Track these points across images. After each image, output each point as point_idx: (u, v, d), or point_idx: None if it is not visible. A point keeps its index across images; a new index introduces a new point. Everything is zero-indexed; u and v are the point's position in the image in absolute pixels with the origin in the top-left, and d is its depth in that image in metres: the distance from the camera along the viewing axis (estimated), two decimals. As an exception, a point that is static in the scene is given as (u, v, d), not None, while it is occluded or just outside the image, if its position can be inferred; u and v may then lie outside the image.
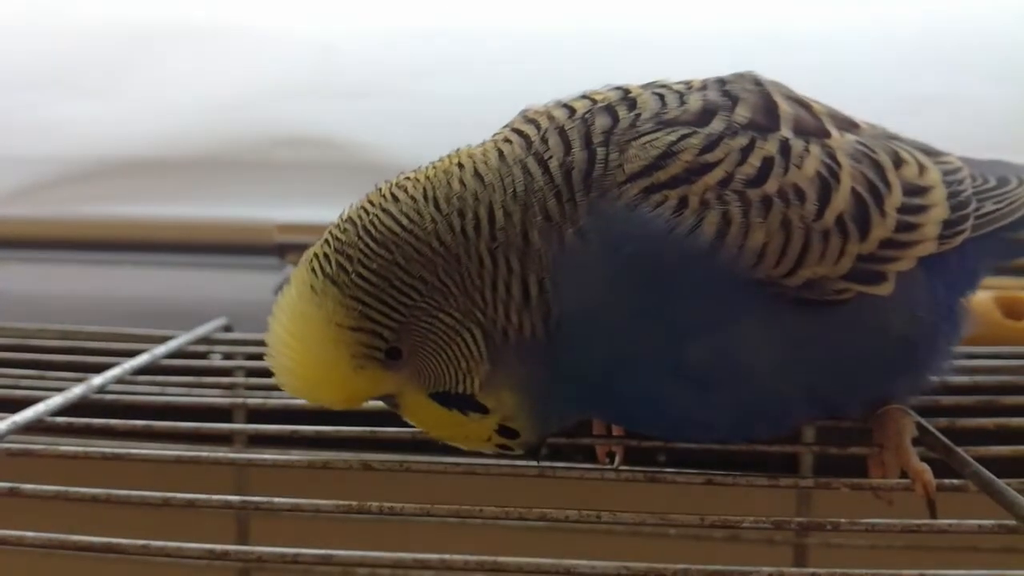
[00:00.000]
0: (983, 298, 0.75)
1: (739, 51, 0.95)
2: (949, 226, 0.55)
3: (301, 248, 1.01)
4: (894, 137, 0.59)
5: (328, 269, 0.49)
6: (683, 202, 0.48)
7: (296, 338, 0.49)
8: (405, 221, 0.49)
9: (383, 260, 0.49)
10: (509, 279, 0.49)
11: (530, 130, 0.52)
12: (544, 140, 0.51)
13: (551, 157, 0.50)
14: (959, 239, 0.55)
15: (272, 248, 0.97)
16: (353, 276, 0.49)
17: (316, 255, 0.50)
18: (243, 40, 1.08)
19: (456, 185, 0.50)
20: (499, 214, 0.49)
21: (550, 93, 0.56)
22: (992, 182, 0.60)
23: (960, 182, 0.57)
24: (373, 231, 0.49)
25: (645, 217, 0.48)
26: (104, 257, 1.05)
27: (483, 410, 0.50)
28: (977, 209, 0.57)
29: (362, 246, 0.49)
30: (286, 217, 0.98)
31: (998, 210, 0.58)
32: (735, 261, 0.48)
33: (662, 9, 1.02)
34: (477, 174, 0.50)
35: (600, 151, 0.50)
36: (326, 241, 0.50)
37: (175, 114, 1.07)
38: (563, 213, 0.49)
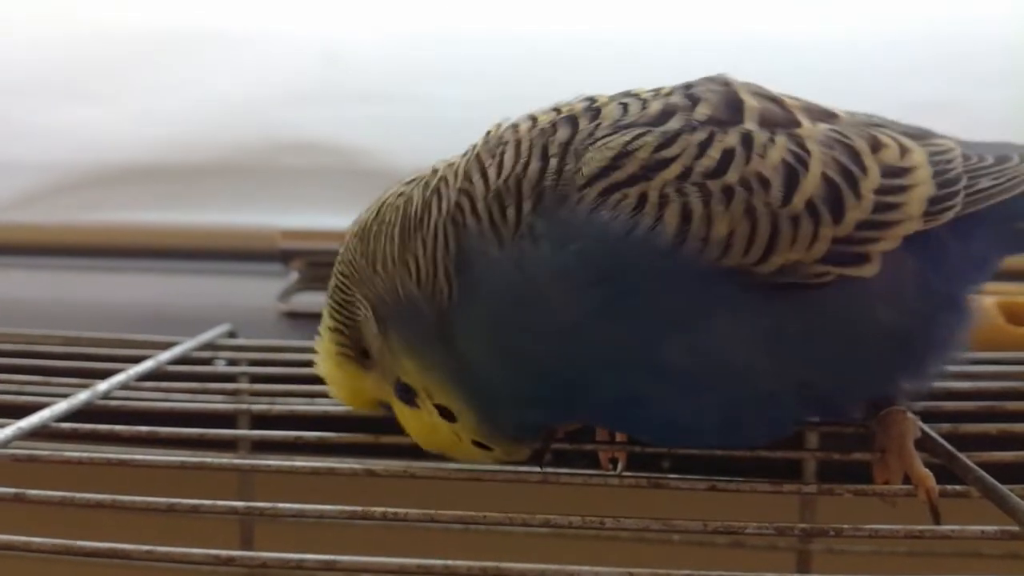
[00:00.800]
0: (986, 303, 0.75)
1: (737, 56, 0.95)
2: (935, 203, 0.55)
3: (305, 254, 1.02)
4: (878, 124, 0.58)
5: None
6: (642, 199, 0.48)
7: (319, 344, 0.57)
8: (356, 228, 0.55)
9: (340, 263, 0.55)
10: (419, 253, 0.52)
11: (490, 144, 0.53)
12: (497, 152, 0.52)
13: (494, 167, 0.51)
14: (949, 214, 0.55)
15: (276, 254, 0.97)
16: (332, 280, 0.56)
17: None
18: (247, 45, 1.08)
19: (406, 190, 0.55)
20: (419, 206, 0.53)
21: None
22: (989, 160, 0.59)
23: (949, 160, 0.57)
24: (346, 240, 0.56)
25: (605, 219, 0.48)
26: (108, 263, 1.05)
27: (449, 417, 0.53)
28: (970, 186, 0.57)
29: (342, 251, 0.55)
30: (290, 223, 0.99)
31: (996, 186, 0.58)
32: (701, 253, 0.48)
33: (666, 14, 1.02)
34: (425, 184, 0.54)
35: (554, 161, 0.50)
36: None
37: (179, 120, 1.07)
38: (506, 221, 0.50)
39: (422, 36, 1.05)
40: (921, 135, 0.59)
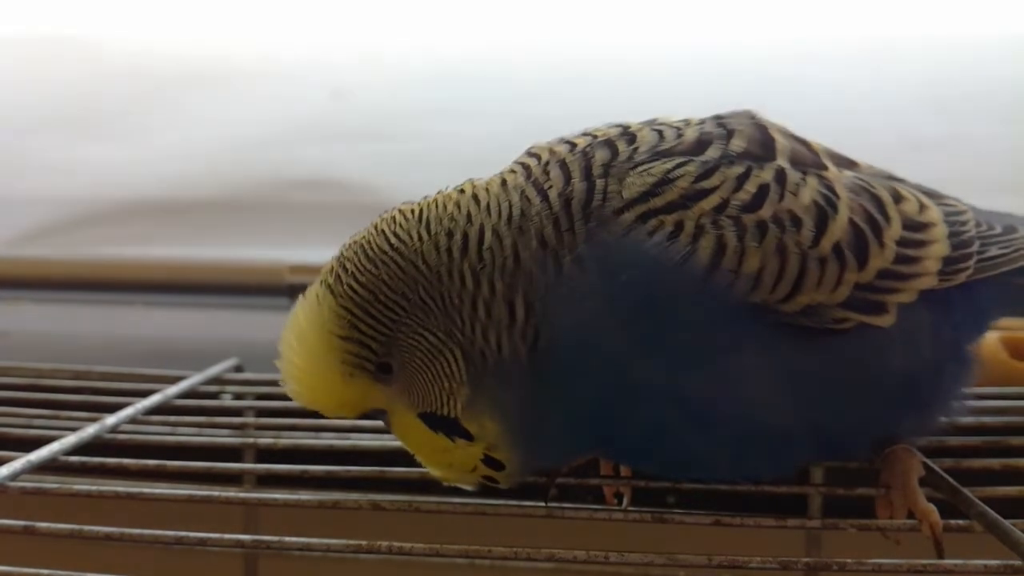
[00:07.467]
0: (990, 339, 0.75)
1: (743, 93, 0.96)
2: (950, 263, 0.55)
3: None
4: (895, 178, 0.59)
5: (328, 280, 0.52)
6: (678, 227, 0.49)
7: (298, 343, 0.52)
8: (394, 240, 0.51)
9: (370, 275, 0.51)
10: (491, 300, 0.50)
11: (532, 163, 0.54)
12: (545, 171, 0.52)
13: (551, 187, 0.51)
14: (961, 276, 0.56)
15: (283, 289, 0.98)
16: (345, 287, 0.51)
17: (327, 269, 0.53)
18: (256, 84, 1.09)
19: (451, 208, 0.52)
20: (489, 236, 0.50)
21: (558, 132, 0.57)
22: (998, 229, 0.60)
23: (963, 223, 0.58)
24: (368, 248, 0.52)
25: (641, 243, 0.49)
26: (117, 298, 1.06)
27: (468, 436, 0.51)
28: (981, 252, 0.57)
29: (356, 260, 0.51)
30: (298, 258, 0.99)
31: (1004, 255, 0.59)
32: (731, 286, 0.49)
33: (665, 53, 1.03)
34: (475, 198, 0.52)
35: (599, 182, 0.51)
36: (336, 257, 0.53)
37: (188, 157, 1.08)
38: (560, 241, 0.50)
39: (429, 75, 1.06)
40: (933, 194, 0.60)
